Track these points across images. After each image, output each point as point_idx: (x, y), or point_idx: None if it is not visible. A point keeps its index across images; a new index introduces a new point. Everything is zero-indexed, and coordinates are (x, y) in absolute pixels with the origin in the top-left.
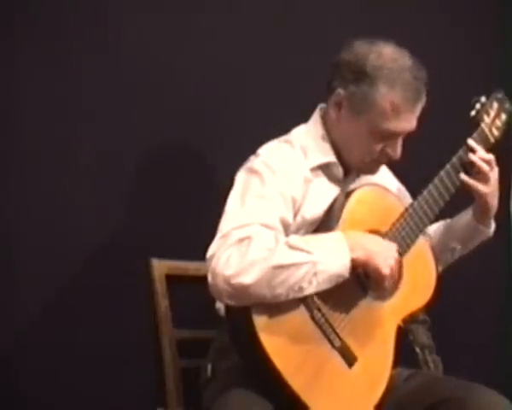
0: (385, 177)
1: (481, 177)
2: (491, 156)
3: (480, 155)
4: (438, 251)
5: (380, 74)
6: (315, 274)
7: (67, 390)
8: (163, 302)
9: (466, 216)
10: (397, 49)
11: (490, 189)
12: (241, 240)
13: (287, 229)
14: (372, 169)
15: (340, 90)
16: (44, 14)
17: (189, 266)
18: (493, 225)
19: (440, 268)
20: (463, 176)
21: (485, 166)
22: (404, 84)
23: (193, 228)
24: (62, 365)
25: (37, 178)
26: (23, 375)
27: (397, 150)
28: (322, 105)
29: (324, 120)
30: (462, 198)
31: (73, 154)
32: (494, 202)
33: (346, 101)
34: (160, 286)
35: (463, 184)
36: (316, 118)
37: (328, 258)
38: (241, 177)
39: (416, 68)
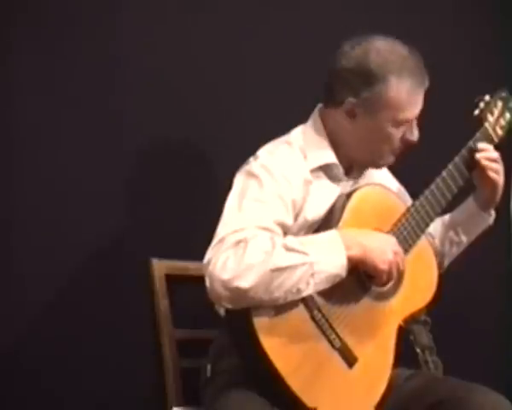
0: (385, 177)
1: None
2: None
3: (488, 155)
4: (443, 246)
5: (386, 69)
6: (312, 275)
7: (67, 390)
8: (163, 302)
9: (467, 207)
10: (387, 40)
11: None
12: (238, 243)
13: (286, 232)
14: (388, 160)
15: (351, 99)
16: (44, 14)
17: (189, 266)
18: (493, 213)
19: (446, 262)
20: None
21: (493, 165)
22: (410, 70)
23: (193, 228)
24: (62, 365)
25: (38, 178)
26: (23, 375)
27: (415, 133)
28: (320, 105)
29: (323, 120)
30: (462, 197)
31: (73, 154)
32: (501, 189)
33: (360, 108)
34: (160, 286)
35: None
36: (315, 118)
37: (325, 258)
38: (239, 180)
39: (412, 53)
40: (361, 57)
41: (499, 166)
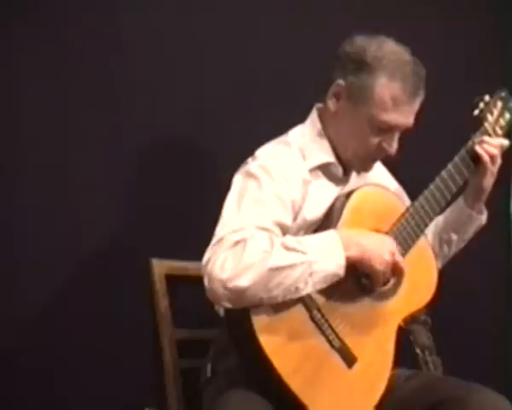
0: (384, 177)
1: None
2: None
3: (492, 143)
4: (434, 246)
5: (380, 65)
6: (310, 274)
7: (67, 390)
8: (163, 302)
9: (457, 205)
10: (398, 45)
11: (495, 169)
12: (236, 243)
13: (286, 232)
14: (366, 165)
15: (340, 81)
16: (44, 14)
17: (189, 266)
18: (485, 213)
19: (439, 264)
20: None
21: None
22: (404, 76)
23: (193, 228)
24: (62, 364)
25: (38, 177)
26: (23, 374)
27: (393, 145)
28: (318, 105)
29: (322, 119)
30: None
31: (74, 153)
32: (491, 183)
33: (345, 91)
34: (160, 286)
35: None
36: (313, 118)
37: (323, 257)
38: (238, 180)
39: (416, 64)
40: (362, 46)
41: (497, 153)
